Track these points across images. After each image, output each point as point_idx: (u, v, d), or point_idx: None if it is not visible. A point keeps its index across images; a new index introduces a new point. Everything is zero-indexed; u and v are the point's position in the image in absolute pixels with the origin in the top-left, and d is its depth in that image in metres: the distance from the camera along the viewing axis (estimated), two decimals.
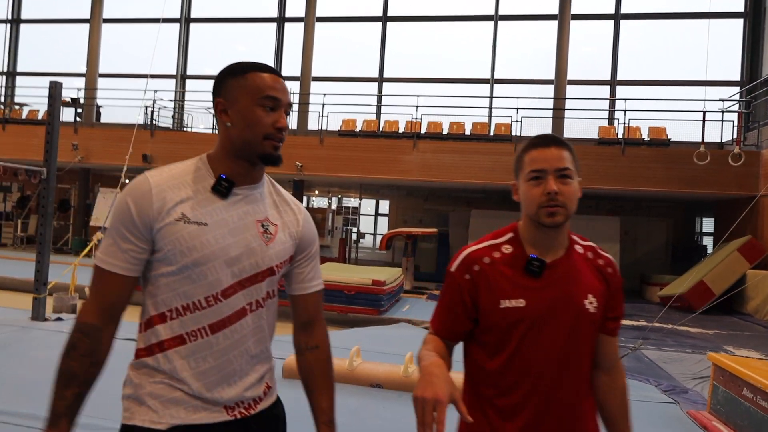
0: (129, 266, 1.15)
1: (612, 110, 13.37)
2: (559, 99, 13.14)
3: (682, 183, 10.52)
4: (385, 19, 15.12)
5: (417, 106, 12.15)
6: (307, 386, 1.35)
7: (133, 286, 1.17)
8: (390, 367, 4.11)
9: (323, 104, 12.63)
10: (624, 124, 11.42)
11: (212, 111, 1.15)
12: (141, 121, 12.96)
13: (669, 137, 11.58)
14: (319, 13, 14.74)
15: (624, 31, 13.90)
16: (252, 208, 1.23)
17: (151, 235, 1.14)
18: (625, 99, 11.75)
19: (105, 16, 15.63)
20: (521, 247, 1.28)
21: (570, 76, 13.32)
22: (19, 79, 16.79)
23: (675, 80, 13.60)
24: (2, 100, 16.01)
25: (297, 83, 14.43)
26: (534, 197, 1.22)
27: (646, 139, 11.69)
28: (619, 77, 13.89)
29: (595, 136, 12.04)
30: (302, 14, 14.59)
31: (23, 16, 16.75)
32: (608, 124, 13.06)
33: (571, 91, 13.44)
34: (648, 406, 3.84)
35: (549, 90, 13.49)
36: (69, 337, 1.14)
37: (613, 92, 13.90)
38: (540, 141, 1.26)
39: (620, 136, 11.44)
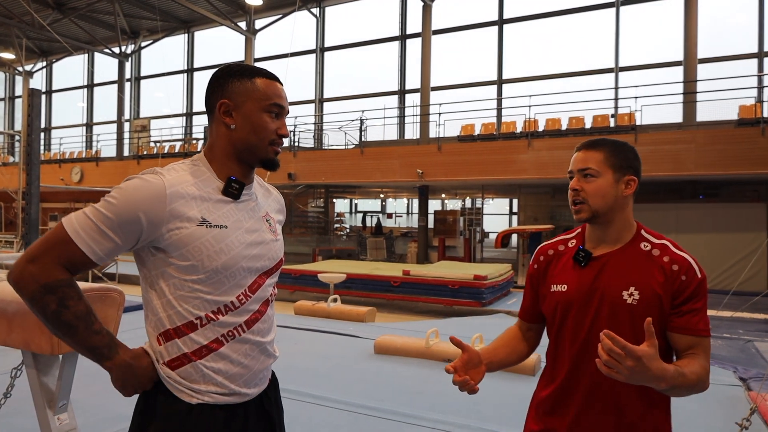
0: (103, 257, 1.08)
1: (761, 87, 12.10)
2: (690, 82, 12.31)
3: None
4: (501, 22, 15.42)
5: (530, 106, 12.34)
6: None
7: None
8: None
9: (439, 113, 13.43)
10: (764, 101, 10.40)
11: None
12: (285, 144, 14.97)
13: None
14: (435, 26, 15.59)
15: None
16: (255, 206, 1.27)
17: (152, 237, 1.10)
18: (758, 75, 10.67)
19: (255, 56, 18.30)
20: (582, 242, 1.39)
21: (702, 55, 12.40)
22: (195, 119, 20.30)
23: None
24: (182, 136, 19.52)
25: (418, 95, 15.43)
26: (569, 197, 1.36)
27: None
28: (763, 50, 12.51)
29: (735, 117, 11.10)
30: (420, 30, 15.59)
31: (195, 65, 20.22)
32: (756, 101, 11.86)
33: (704, 71, 12.49)
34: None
35: (677, 74, 12.69)
36: (49, 295, 1.03)
37: (761, 67, 12.57)
38: (577, 147, 1.37)
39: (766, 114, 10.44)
